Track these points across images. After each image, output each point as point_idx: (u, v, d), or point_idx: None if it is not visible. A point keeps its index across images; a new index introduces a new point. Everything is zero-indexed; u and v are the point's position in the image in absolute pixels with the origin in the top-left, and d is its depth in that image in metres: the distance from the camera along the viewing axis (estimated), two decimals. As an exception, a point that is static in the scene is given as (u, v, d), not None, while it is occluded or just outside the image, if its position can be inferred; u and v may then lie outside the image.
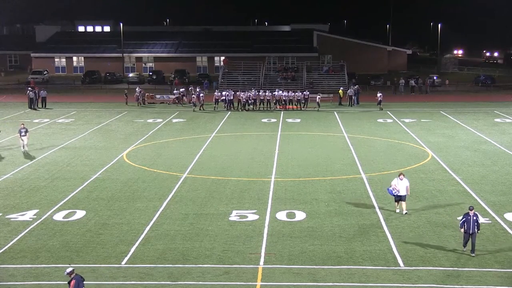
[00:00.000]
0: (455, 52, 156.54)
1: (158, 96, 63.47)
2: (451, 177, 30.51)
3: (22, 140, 36.50)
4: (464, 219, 20.19)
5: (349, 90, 60.69)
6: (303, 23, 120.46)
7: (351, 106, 59.14)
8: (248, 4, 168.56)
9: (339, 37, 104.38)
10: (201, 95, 57.22)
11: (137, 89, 61.31)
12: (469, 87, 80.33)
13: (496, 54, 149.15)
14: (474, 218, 20.05)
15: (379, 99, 56.81)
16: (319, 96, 57.89)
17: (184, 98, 61.25)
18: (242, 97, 56.26)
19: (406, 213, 24.38)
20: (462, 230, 20.22)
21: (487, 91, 75.49)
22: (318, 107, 56.21)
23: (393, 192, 24.50)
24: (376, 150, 37.51)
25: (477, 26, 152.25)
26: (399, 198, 24.61)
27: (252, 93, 57.30)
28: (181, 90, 61.76)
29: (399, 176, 24.67)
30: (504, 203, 26.03)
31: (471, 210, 20.23)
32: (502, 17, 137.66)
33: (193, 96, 56.76)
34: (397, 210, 24.70)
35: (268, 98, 57.18)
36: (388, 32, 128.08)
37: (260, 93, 57.56)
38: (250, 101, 56.24)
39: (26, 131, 36.59)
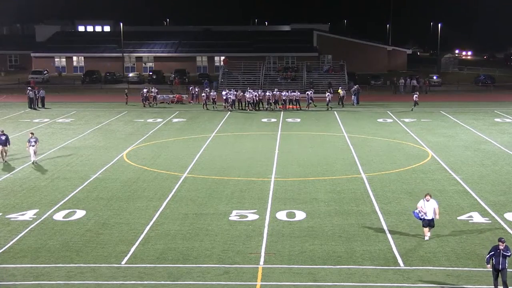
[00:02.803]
0: (464, 53, 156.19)
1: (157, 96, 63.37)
2: (451, 177, 30.51)
3: (32, 150, 33.35)
4: (492, 252, 17.12)
5: (342, 92, 59.48)
6: (303, 23, 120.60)
7: (342, 106, 58.38)
8: (248, 4, 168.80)
9: (339, 37, 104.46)
10: (203, 94, 57.32)
11: (144, 90, 60.11)
12: (469, 87, 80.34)
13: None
14: (506, 252, 17.07)
15: (415, 99, 56.29)
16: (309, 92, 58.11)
17: (184, 97, 61.64)
18: (250, 96, 56.02)
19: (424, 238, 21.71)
20: (489, 266, 17.26)
21: (487, 91, 75.50)
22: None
23: (419, 215, 21.47)
24: (376, 150, 37.50)
25: (479, 26, 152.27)
26: (427, 224, 21.40)
27: (271, 93, 57.17)
28: (152, 90, 60.48)
29: (425, 196, 21.76)
30: (504, 203, 26.03)
31: (502, 242, 17.09)
32: (503, 17, 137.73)
33: (203, 95, 57.09)
34: (426, 237, 21.51)
35: (268, 97, 57.12)
36: (388, 32, 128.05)
37: (275, 93, 57.40)
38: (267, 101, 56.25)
39: (36, 141, 33.55)
